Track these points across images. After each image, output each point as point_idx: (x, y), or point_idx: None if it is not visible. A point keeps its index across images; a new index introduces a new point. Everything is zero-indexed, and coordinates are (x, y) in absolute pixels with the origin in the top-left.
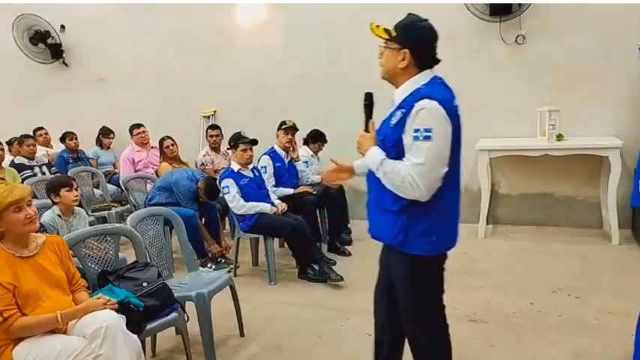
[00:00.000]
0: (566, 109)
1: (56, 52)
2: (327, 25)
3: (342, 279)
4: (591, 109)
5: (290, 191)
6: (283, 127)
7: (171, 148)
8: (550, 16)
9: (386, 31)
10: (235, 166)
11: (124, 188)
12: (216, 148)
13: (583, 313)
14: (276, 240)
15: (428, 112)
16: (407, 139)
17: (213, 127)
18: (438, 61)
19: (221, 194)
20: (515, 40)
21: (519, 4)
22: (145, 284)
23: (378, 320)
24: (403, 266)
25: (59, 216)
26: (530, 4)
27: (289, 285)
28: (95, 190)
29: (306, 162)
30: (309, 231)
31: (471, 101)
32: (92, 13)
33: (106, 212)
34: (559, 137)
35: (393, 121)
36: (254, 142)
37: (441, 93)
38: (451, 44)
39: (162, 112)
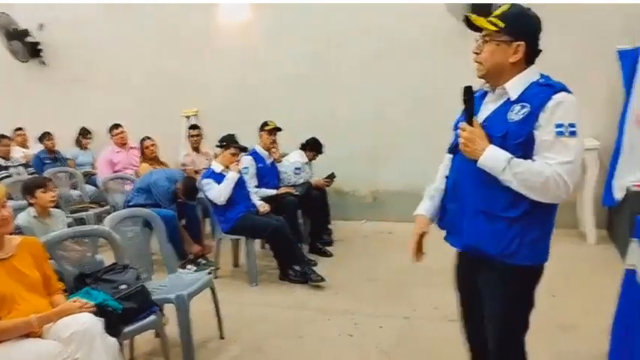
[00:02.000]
0: None
1: (33, 51)
2: (312, 26)
3: (323, 280)
4: None
5: (272, 192)
6: (266, 127)
7: (151, 148)
8: None
9: (490, 22)
10: (217, 167)
11: (102, 189)
12: (196, 149)
13: (560, 313)
14: (258, 241)
15: (570, 105)
16: (546, 135)
17: (194, 127)
18: (539, 54)
19: (201, 194)
20: None
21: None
22: (123, 287)
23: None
24: (505, 279)
25: (35, 217)
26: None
27: (270, 286)
28: (73, 191)
29: (299, 168)
30: (291, 232)
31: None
32: (71, 12)
33: (84, 214)
34: None
35: (514, 116)
36: (244, 149)
37: None
38: (435, 45)
39: (142, 112)
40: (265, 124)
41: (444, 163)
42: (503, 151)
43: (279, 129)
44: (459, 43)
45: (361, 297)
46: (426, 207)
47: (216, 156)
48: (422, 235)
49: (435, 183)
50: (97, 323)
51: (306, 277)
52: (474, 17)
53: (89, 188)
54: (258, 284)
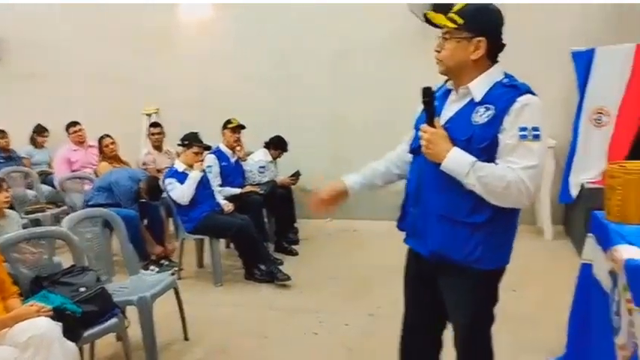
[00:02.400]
0: None
1: None
2: (276, 25)
3: (289, 278)
4: None
5: (237, 191)
6: (230, 125)
7: (110, 146)
8: None
9: (449, 19)
10: (180, 167)
11: (59, 189)
12: (158, 147)
13: (519, 306)
14: (222, 241)
15: (534, 108)
16: (509, 138)
17: (155, 124)
18: (502, 49)
19: (164, 194)
20: None
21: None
22: (82, 289)
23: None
24: (471, 284)
25: None
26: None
27: (235, 286)
28: (28, 191)
29: (263, 167)
30: (256, 231)
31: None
32: (27, 7)
33: (40, 214)
34: None
35: (478, 119)
36: (208, 148)
37: None
38: (399, 45)
39: (101, 110)
40: (228, 121)
41: (397, 152)
42: (467, 154)
43: (242, 127)
44: (422, 43)
45: (326, 295)
46: (352, 178)
47: (178, 155)
48: (330, 198)
49: (379, 163)
50: (55, 328)
51: (272, 276)
52: (432, 15)
53: (45, 188)
54: (223, 284)
